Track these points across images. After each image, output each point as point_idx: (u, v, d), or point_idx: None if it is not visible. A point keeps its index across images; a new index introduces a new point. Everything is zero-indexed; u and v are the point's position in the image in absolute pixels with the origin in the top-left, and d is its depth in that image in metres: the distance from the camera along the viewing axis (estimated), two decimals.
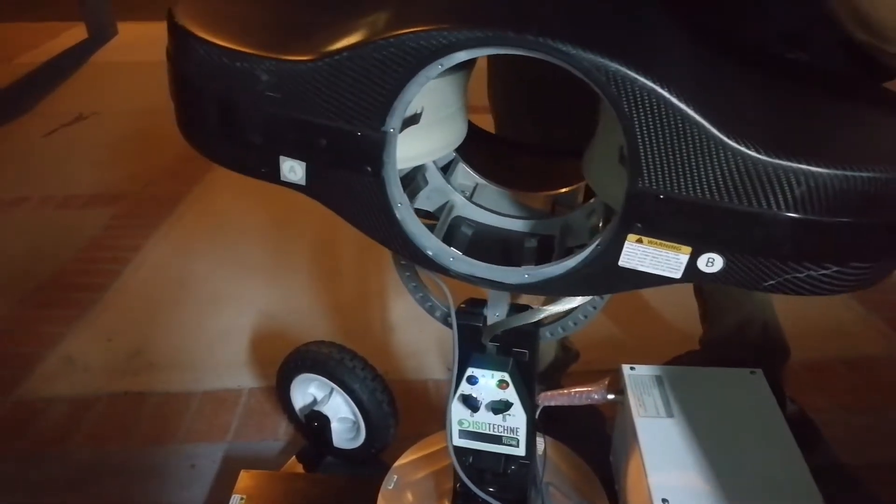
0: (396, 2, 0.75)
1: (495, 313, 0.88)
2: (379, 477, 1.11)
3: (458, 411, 0.90)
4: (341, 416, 1.26)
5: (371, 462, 1.27)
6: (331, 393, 1.25)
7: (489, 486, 0.96)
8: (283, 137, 0.73)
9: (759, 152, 0.61)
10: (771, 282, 0.67)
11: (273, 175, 0.75)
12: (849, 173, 0.60)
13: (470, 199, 0.92)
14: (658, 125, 0.62)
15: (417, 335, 1.64)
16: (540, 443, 0.99)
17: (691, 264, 0.68)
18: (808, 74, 0.80)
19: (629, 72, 0.61)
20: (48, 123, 2.94)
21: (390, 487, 1.08)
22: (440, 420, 0.92)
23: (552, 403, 0.99)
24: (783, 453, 0.91)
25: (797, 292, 0.67)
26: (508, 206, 0.94)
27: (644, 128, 0.63)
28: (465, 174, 0.94)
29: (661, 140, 0.63)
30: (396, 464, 1.12)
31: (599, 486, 1.07)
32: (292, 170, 0.74)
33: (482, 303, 0.89)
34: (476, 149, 0.89)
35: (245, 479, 1.20)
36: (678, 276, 0.69)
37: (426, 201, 0.89)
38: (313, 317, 1.76)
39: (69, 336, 1.70)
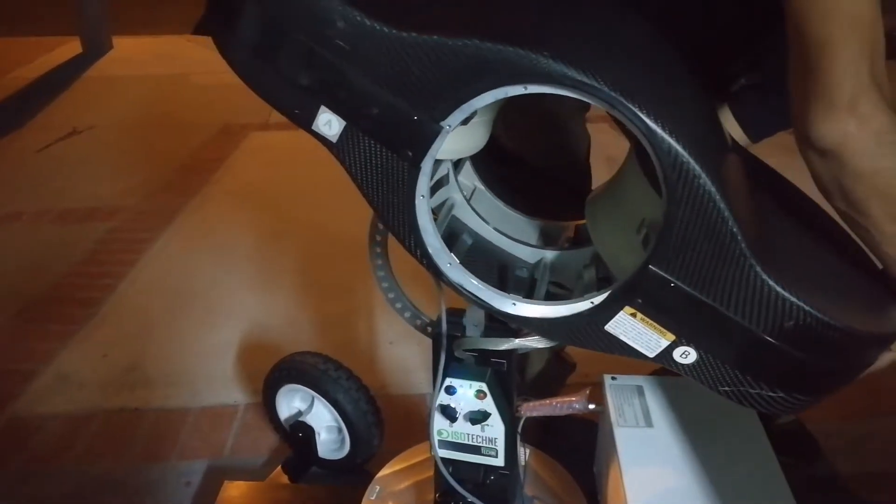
0: (512, 6, 0.75)
1: (473, 324, 0.88)
2: (362, 487, 1.11)
3: (437, 421, 0.91)
4: (326, 425, 1.27)
5: (356, 472, 1.26)
6: (312, 401, 1.26)
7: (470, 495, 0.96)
8: (334, 90, 0.70)
9: (774, 282, 0.65)
10: (727, 388, 0.73)
11: (305, 120, 0.72)
12: (829, 321, 0.66)
13: (468, 201, 0.93)
14: (699, 223, 0.64)
15: (409, 350, 1.64)
16: (522, 453, 1.00)
17: (668, 351, 0.72)
18: (820, 220, 0.84)
19: (696, 166, 0.63)
20: (43, 138, 2.95)
21: (373, 498, 1.09)
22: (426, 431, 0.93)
23: (534, 414, 1.00)
24: (761, 463, 0.91)
25: (741, 402, 0.73)
26: (500, 219, 0.95)
27: (686, 220, 0.65)
28: (469, 174, 0.95)
29: (695, 236, 0.65)
30: (379, 474, 1.13)
31: (582, 497, 1.07)
32: (328, 123, 0.72)
33: (460, 313, 0.89)
34: (483, 153, 0.89)
35: (228, 489, 1.20)
36: (651, 356, 0.73)
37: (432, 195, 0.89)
38: (309, 331, 1.77)
39: (64, 352, 1.71)
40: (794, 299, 0.66)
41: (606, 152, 2.75)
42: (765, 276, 0.65)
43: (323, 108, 0.71)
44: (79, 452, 1.42)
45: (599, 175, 0.89)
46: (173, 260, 2.11)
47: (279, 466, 1.28)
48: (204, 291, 1.93)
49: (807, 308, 0.66)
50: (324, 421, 1.27)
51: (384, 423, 1.27)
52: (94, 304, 1.88)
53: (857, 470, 1.34)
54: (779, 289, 0.65)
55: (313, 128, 0.72)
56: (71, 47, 4.00)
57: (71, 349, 1.72)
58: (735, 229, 0.64)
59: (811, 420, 1.37)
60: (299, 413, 1.29)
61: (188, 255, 2.13)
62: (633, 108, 0.63)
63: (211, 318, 1.83)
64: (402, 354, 1.66)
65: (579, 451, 1.16)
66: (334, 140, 0.72)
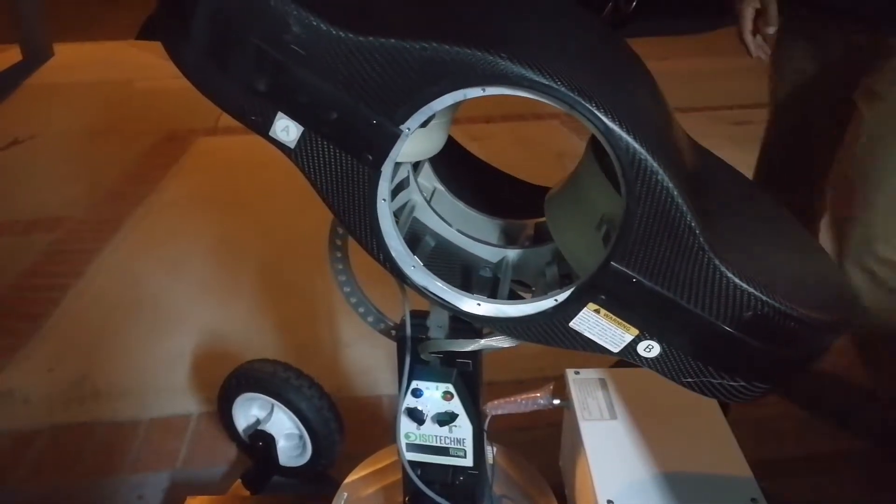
0: (468, 10, 0.74)
1: (437, 326, 0.88)
2: (329, 495, 1.10)
3: (404, 425, 0.90)
4: (286, 432, 1.26)
5: (320, 480, 1.25)
6: (272, 409, 1.24)
7: (439, 497, 0.96)
8: (291, 96, 0.69)
9: (732, 273, 0.67)
10: (690, 379, 0.74)
11: (262, 127, 0.71)
12: (786, 310, 0.68)
13: (428, 203, 0.93)
14: (658, 219, 0.66)
15: (368, 351, 1.63)
16: (489, 452, 1.00)
17: (632, 345, 0.73)
18: (773, 211, 0.86)
19: (654, 163, 0.64)
20: None
21: None
22: (391, 435, 0.92)
23: (500, 412, 1.00)
24: (724, 450, 0.93)
25: (704, 393, 0.75)
26: (461, 220, 0.95)
27: (645, 216, 0.66)
28: (428, 176, 0.95)
29: (654, 231, 0.66)
30: (346, 480, 1.12)
31: (550, 492, 1.08)
32: (286, 129, 0.71)
33: (424, 315, 0.89)
34: (441, 154, 0.89)
35: None
36: (616, 350, 0.74)
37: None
38: (263, 336, 1.74)
39: (8, 367, 1.65)
40: (751, 290, 0.67)
41: (557, 148, 2.79)
42: (722, 268, 0.67)
43: (280, 113, 0.70)
44: (26, 470, 1.38)
45: (552, 170, 0.90)
46: (121, 270, 2.05)
47: (238, 479, 1.25)
48: (153, 301, 1.89)
49: (764, 298, 0.67)
50: (284, 428, 1.25)
51: (345, 427, 1.26)
52: (38, 318, 1.82)
53: (801, 452, 1.39)
54: (736, 280, 0.67)
55: (270, 134, 0.72)
56: (10, 55, 3.86)
57: (15, 364, 1.66)
58: (693, 223, 0.65)
59: (759, 403, 1.40)
60: (258, 422, 1.27)
61: (136, 264, 2.07)
62: (591, 108, 0.63)
63: (161, 327, 1.78)
64: (360, 356, 1.65)
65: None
66: (292, 146, 0.72)
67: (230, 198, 2.45)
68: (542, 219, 0.87)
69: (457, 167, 0.98)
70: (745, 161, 1.19)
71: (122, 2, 5.07)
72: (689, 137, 0.89)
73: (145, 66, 3.51)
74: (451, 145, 0.91)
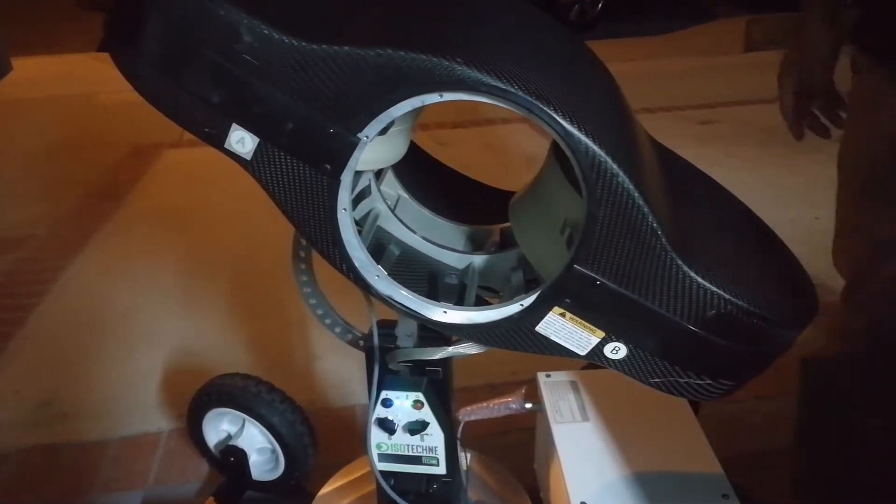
0: (423, 16, 0.74)
1: (405, 335, 0.88)
2: None
3: (375, 435, 0.90)
4: (258, 446, 1.24)
5: (295, 493, 1.24)
6: (243, 424, 1.23)
7: None
8: (245, 106, 0.68)
9: (695, 273, 0.67)
10: (657, 380, 0.75)
11: (217, 139, 0.70)
12: (749, 308, 0.69)
13: (392, 211, 0.92)
14: (620, 221, 0.66)
15: (341, 362, 1.62)
16: (464, 458, 1.00)
17: (598, 347, 0.73)
18: (734, 208, 0.87)
19: (614, 165, 0.64)
20: None
21: None
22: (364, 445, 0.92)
23: (472, 418, 1.00)
24: (695, 448, 0.94)
25: (671, 392, 0.76)
26: (426, 227, 0.95)
27: (607, 219, 0.66)
28: (392, 183, 0.95)
29: (616, 234, 0.67)
30: (321, 492, 1.11)
31: (525, 496, 1.08)
32: (241, 141, 0.70)
33: (392, 324, 0.89)
34: (404, 161, 0.89)
35: None
36: (583, 353, 0.74)
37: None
38: (234, 351, 1.72)
39: None
40: (714, 289, 0.68)
41: (526, 152, 2.80)
42: (685, 269, 0.67)
43: (234, 125, 0.69)
44: None
45: (520, 175, 0.91)
46: (87, 288, 2.02)
47: (211, 496, 1.23)
48: (121, 319, 1.86)
49: (727, 296, 0.68)
50: (256, 443, 1.23)
51: (318, 439, 1.24)
52: (3, 339, 1.78)
53: (774, 447, 1.39)
54: (699, 279, 0.68)
55: (226, 146, 0.71)
56: None
57: None
58: (655, 225, 0.66)
59: (731, 400, 1.41)
60: (229, 437, 1.25)
61: (103, 282, 2.04)
62: (550, 112, 0.64)
63: (129, 345, 1.76)
64: (332, 367, 1.63)
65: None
66: (248, 158, 0.71)
67: (197, 212, 2.42)
68: (508, 224, 0.87)
69: (421, 174, 0.97)
70: (710, 159, 1.20)
71: (83, 15, 5.02)
72: (652, 139, 0.89)
73: (108, 78, 3.42)
74: (414, 152, 0.91)
